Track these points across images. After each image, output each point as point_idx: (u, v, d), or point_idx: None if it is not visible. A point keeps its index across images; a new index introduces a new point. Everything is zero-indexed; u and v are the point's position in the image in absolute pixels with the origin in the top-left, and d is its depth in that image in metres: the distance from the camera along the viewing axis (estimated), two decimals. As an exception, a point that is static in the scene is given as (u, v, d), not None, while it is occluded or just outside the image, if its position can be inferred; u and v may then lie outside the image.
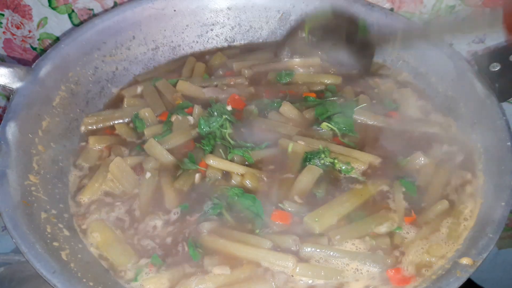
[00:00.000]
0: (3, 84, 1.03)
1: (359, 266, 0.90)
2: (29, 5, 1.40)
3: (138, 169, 1.05)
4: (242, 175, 1.03)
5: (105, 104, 1.22)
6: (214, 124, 1.10)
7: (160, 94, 1.21)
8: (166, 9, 1.26)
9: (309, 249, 0.91)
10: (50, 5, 1.39)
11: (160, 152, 1.07)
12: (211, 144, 1.07)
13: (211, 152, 1.06)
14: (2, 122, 0.99)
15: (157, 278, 0.89)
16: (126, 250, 0.94)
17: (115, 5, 1.37)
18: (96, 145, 1.11)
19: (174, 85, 1.22)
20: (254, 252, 0.91)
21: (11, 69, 1.04)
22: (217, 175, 1.03)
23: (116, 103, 1.22)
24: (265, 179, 1.03)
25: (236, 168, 1.03)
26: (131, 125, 1.16)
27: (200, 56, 1.33)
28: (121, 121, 1.17)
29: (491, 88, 1.03)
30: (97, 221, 0.98)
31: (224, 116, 1.11)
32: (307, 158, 1.04)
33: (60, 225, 0.95)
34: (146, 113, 1.16)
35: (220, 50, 1.34)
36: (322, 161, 1.03)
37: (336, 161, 1.03)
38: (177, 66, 1.30)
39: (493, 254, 1.72)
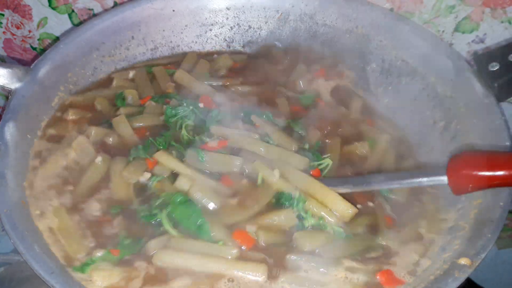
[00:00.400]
0: (1, 84, 1.03)
1: (348, 275, 0.88)
2: (29, 5, 1.40)
3: (99, 148, 1.04)
4: (192, 180, 0.95)
5: (93, 83, 1.22)
6: (180, 112, 1.07)
7: (153, 81, 1.21)
8: (165, 9, 1.26)
9: (294, 257, 0.88)
10: (50, 5, 1.39)
11: (125, 129, 1.06)
12: (169, 140, 1.03)
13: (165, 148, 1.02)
14: (0, 122, 0.99)
15: (108, 272, 0.86)
16: (79, 238, 0.91)
17: (115, 5, 1.37)
18: (72, 116, 1.10)
19: (171, 75, 1.22)
20: (218, 266, 0.86)
21: (9, 70, 1.04)
22: (163, 174, 0.98)
23: (105, 84, 1.22)
24: (221, 193, 0.96)
25: (184, 170, 0.96)
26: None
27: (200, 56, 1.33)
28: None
29: (490, 88, 1.03)
30: (51, 205, 0.96)
31: (190, 107, 1.08)
32: (279, 199, 0.95)
33: (59, 226, 0.95)
34: (130, 94, 1.16)
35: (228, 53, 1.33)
36: (295, 210, 0.94)
37: (307, 215, 0.93)
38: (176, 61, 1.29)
39: (493, 254, 1.72)
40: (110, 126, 1.09)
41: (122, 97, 1.16)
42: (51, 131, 1.07)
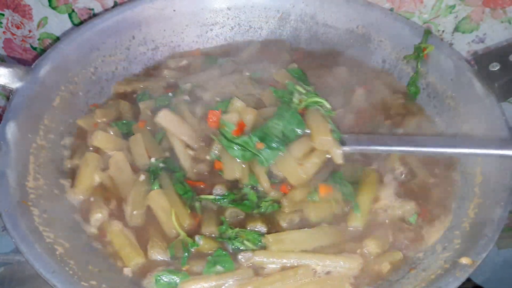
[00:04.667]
0: (2, 84, 1.03)
1: None
2: (29, 5, 1.40)
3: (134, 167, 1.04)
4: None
5: (144, 68, 1.28)
6: None
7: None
8: (166, 9, 1.26)
9: None
10: (50, 5, 1.39)
11: (140, 152, 1.05)
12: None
13: None
14: (1, 122, 0.99)
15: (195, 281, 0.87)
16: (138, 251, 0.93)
17: (115, 4, 1.37)
18: (101, 118, 1.12)
19: None
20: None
21: (10, 69, 1.04)
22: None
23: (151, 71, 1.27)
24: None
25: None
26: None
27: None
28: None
29: (490, 88, 1.03)
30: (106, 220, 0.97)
31: None
32: None
33: (60, 225, 0.95)
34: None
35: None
36: None
37: None
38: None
39: (493, 254, 1.72)
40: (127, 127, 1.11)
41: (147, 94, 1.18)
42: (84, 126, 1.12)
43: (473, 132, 1.05)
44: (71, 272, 0.84)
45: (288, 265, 0.90)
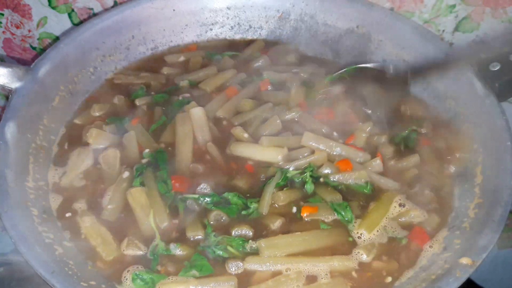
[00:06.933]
0: (2, 83, 1.03)
1: None
2: (28, 5, 1.40)
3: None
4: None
5: (140, 59, 1.28)
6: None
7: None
8: (165, 9, 1.26)
9: None
10: (50, 5, 1.39)
11: (133, 150, 1.06)
12: None
13: None
14: (1, 122, 0.98)
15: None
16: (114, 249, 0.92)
17: (115, 4, 1.37)
18: (96, 112, 1.14)
19: None
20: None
21: (10, 69, 1.04)
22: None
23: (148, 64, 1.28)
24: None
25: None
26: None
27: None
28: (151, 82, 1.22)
29: (491, 88, 1.03)
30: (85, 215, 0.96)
31: None
32: None
33: (59, 225, 0.95)
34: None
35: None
36: None
37: None
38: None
39: (493, 254, 1.72)
40: (119, 122, 1.11)
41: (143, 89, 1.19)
42: (78, 122, 1.13)
43: (474, 132, 1.05)
44: (70, 272, 0.84)
45: (280, 270, 0.89)
